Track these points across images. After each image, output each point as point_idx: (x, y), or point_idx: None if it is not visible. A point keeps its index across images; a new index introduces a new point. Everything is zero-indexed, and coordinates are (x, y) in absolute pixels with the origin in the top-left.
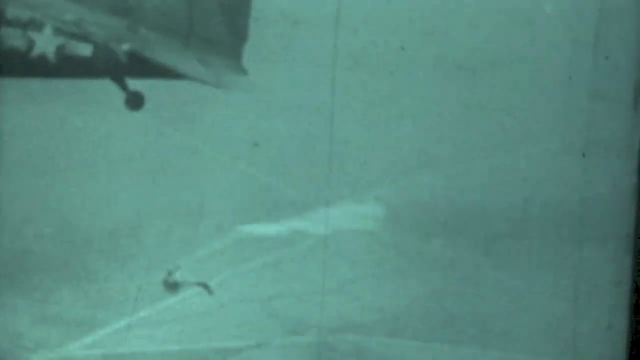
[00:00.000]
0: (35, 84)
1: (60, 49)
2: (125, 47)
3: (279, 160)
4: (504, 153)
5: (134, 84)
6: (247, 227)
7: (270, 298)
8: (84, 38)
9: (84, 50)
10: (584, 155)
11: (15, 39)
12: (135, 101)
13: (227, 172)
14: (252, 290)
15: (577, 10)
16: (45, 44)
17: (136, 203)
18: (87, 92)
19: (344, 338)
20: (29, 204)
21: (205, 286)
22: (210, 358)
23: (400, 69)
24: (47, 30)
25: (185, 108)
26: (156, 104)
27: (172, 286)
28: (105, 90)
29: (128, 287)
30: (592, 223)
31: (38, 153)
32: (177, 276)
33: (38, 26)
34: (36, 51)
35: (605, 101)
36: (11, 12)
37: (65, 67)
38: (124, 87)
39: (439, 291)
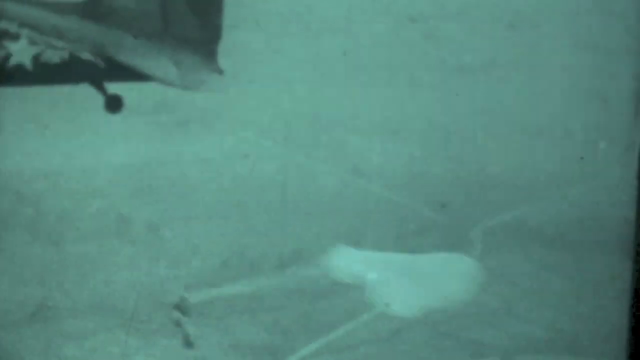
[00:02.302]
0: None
1: (36, 58)
2: (101, 51)
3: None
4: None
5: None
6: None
7: (440, 320)
8: (60, 46)
9: (60, 57)
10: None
11: None
12: (114, 104)
13: None
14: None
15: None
16: (22, 53)
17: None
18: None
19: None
20: None
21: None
22: None
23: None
24: (23, 41)
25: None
26: (134, 105)
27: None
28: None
29: (307, 314)
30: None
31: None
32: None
33: (14, 37)
34: (13, 61)
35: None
36: None
37: (43, 74)
38: (102, 91)
39: (607, 307)
